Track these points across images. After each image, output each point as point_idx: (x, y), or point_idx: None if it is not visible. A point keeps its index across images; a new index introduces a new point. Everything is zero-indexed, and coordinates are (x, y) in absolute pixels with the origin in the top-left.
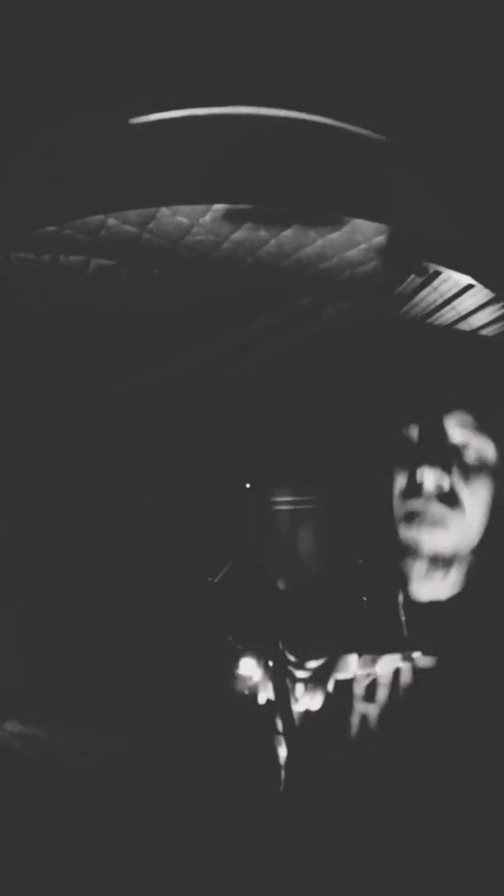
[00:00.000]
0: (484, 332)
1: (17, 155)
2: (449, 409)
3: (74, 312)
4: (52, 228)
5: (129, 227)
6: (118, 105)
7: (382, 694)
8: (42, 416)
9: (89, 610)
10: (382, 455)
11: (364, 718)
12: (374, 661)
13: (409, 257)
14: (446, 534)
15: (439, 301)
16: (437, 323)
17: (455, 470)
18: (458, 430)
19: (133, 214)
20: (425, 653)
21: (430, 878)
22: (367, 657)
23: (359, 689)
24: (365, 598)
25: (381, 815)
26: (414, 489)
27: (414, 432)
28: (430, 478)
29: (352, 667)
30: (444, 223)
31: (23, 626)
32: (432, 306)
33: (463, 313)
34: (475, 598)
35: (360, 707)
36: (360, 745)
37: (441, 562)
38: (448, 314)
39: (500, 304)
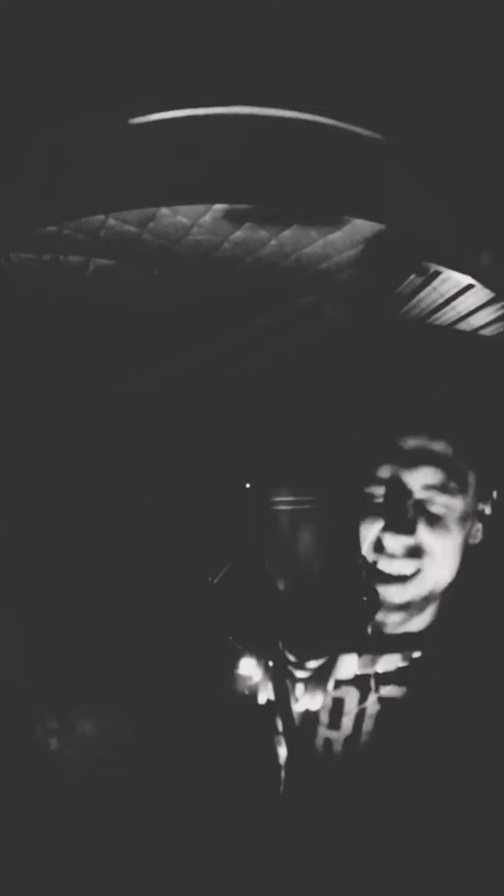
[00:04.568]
0: (484, 332)
1: (17, 154)
2: (414, 465)
3: (74, 313)
4: (52, 228)
5: (129, 227)
6: (118, 105)
7: (383, 695)
8: (42, 416)
9: (90, 609)
10: (382, 455)
11: (364, 719)
12: (374, 661)
13: (409, 257)
14: (415, 587)
15: (439, 301)
16: (437, 323)
17: (420, 527)
18: (421, 489)
19: (133, 214)
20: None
21: (430, 878)
22: (367, 657)
23: (359, 691)
24: (365, 598)
25: (381, 814)
26: (380, 548)
27: (378, 490)
28: (393, 542)
29: (352, 667)
30: (444, 223)
31: (24, 626)
32: (432, 306)
33: (463, 313)
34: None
35: (359, 709)
36: (359, 746)
37: (413, 610)
38: (448, 314)
39: (500, 304)
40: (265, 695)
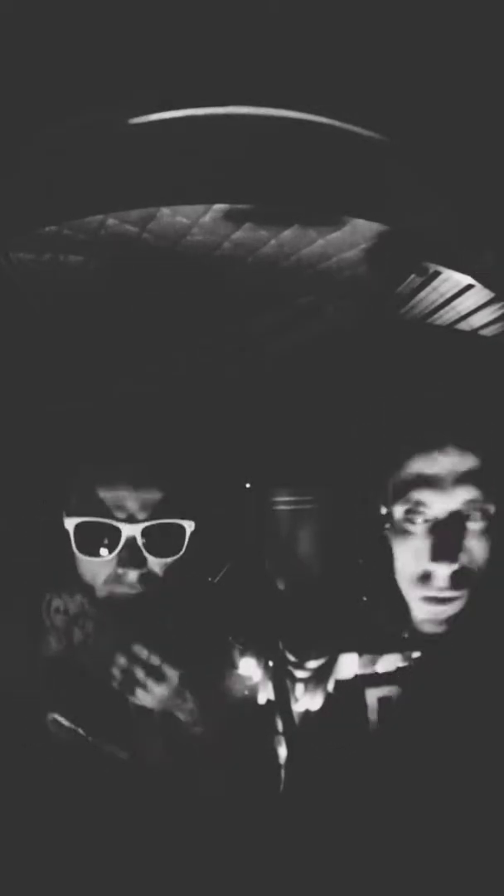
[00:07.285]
0: (484, 332)
1: (17, 155)
2: (451, 487)
3: (73, 312)
4: (52, 228)
5: (129, 227)
6: (118, 105)
7: (382, 693)
8: (42, 416)
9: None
10: (381, 455)
11: (364, 717)
12: (374, 661)
13: (409, 257)
14: (460, 602)
15: (439, 301)
16: (437, 323)
17: (464, 546)
18: (461, 506)
19: (133, 214)
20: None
21: (430, 878)
22: (367, 657)
23: (358, 689)
24: (365, 598)
25: (381, 814)
26: (426, 578)
27: (414, 517)
28: (442, 572)
29: (352, 667)
30: (444, 223)
31: (26, 626)
32: (432, 306)
33: (463, 313)
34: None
35: (359, 706)
36: (359, 745)
37: (451, 620)
38: (448, 314)
39: (500, 304)
40: (265, 695)
